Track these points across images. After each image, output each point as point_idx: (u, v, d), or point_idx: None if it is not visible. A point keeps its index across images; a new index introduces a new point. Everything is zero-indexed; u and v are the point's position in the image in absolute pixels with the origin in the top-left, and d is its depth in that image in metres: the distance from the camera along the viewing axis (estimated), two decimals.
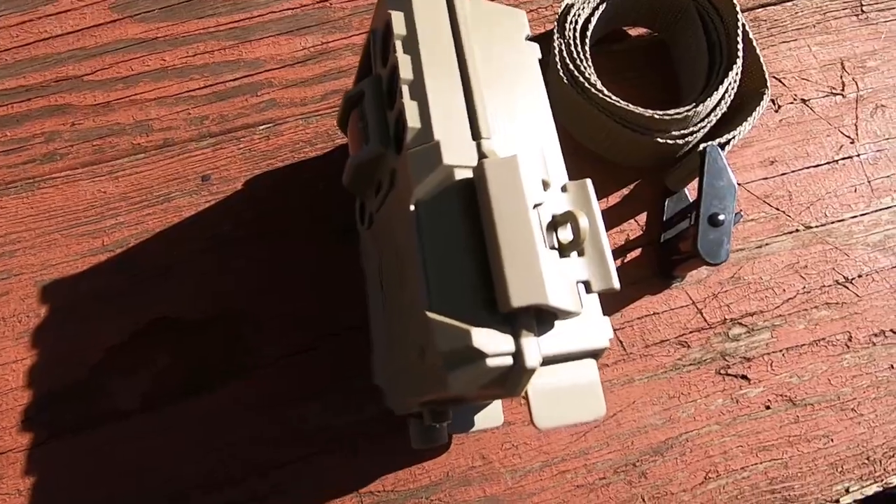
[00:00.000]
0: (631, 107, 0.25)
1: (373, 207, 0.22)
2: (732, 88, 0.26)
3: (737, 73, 0.26)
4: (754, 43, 0.27)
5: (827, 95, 0.30)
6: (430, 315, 0.15)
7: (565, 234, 0.16)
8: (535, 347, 0.15)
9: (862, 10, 0.32)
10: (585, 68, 0.26)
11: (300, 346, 0.25)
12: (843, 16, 0.32)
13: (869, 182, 0.28)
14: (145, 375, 0.25)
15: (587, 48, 0.27)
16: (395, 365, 0.19)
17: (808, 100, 0.30)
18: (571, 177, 0.19)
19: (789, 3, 0.32)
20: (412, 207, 0.17)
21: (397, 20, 0.19)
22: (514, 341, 0.15)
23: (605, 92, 0.26)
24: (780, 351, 0.26)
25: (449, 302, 0.15)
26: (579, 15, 0.28)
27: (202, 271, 0.26)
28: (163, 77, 0.30)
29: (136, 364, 0.25)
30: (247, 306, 0.26)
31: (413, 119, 0.17)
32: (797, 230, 0.27)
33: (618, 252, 0.27)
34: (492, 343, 0.14)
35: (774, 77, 0.30)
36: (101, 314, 0.26)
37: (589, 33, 0.28)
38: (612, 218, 0.28)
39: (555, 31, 0.27)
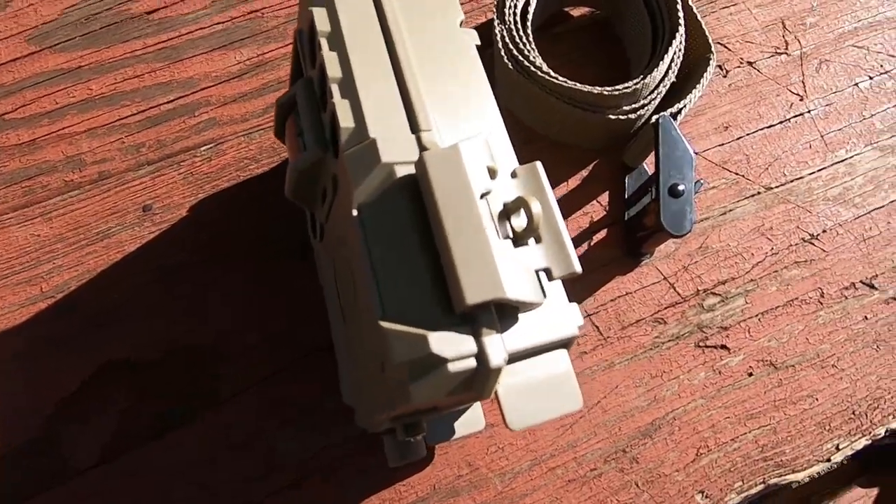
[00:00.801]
0: (578, 86, 0.25)
1: (321, 218, 0.20)
2: (678, 57, 0.26)
3: (680, 42, 0.26)
4: (695, 10, 0.27)
5: (772, 56, 0.30)
6: (384, 324, 0.14)
7: (519, 221, 0.16)
8: (498, 345, 0.14)
9: None
10: (529, 52, 0.26)
11: (264, 372, 0.24)
12: None
13: (822, 137, 0.28)
14: (103, 422, 0.23)
15: (529, 32, 0.27)
16: (360, 381, 0.18)
17: (755, 62, 0.30)
18: (527, 162, 0.18)
19: None
20: (355, 212, 0.16)
21: (320, 17, 0.18)
22: (474, 341, 0.14)
23: (552, 74, 0.25)
24: (756, 316, 0.26)
25: (403, 308, 0.14)
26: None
27: (151, 307, 0.25)
28: (91, 107, 0.29)
29: (92, 412, 0.23)
30: (203, 337, 0.24)
31: (345, 118, 0.16)
32: (758, 193, 0.27)
33: (583, 235, 0.27)
34: (451, 347, 0.13)
35: (719, 43, 0.30)
36: (49, 364, 0.24)
37: (530, 17, 0.27)
38: (574, 201, 0.27)
39: (495, 17, 0.27)
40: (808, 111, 0.29)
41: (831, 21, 0.31)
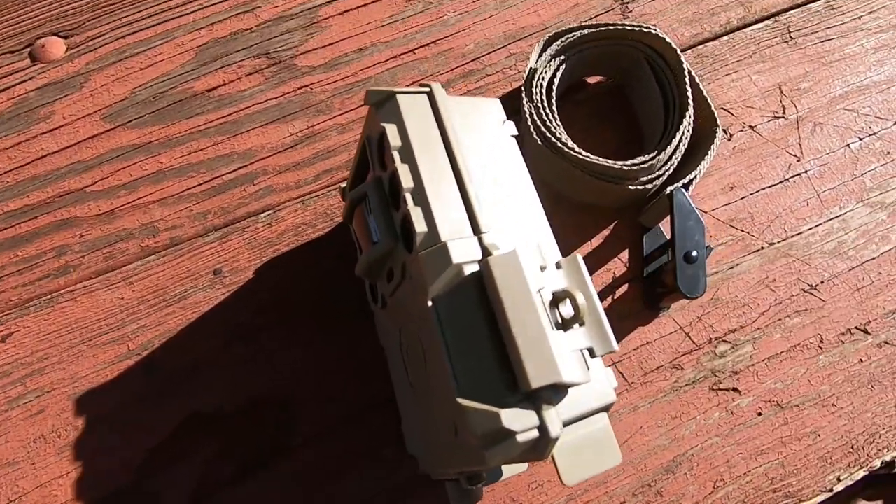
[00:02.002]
0: (601, 160, 0.28)
1: (386, 291, 0.24)
2: (688, 131, 0.29)
3: (689, 119, 0.29)
4: (701, 86, 0.30)
5: (771, 119, 0.33)
6: (461, 401, 0.17)
7: (566, 309, 0.19)
8: (555, 419, 0.17)
9: (791, 37, 0.35)
10: (556, 128, 0.29)
11: (329, 423, 0.27)
12: (776, 43, 0.35)
13: (818, 195, 0.31)
14: (188, 472, 0.26)
15: (554, 107, 0.30)
16: (429, 437, 0.21)
17: (756, 126, 0.33)
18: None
19: (726, 38, 0.35)
20: (430, 303, 0.19)
21: (392, 132, 0.21)
22: (537, 416, 0.17)
23: (577, 149, 0.28)
24: (763, 361, 0.29)
25: (474, 386, 0.18)
26: (543, 77, 0.30)
27: (227, 363, 0.28)
28: (162, 178, 0.32)
29: (178, 462, 0.27)
30: (273, 391, 0.28)
31: (420, 224, 0.20)
32: (762, 248, 0.30)
33: (607, 290, 0.30)
34: (518, 421, 0.17)
35: (723, 108, 0.33)
36: (138, 417, 0.27)
37: (554, 92, 0.31)
38: (598, 258, 0.30)
39: (523, 95, 0.30)
40: (805, 171, 0.32)
41: (823, 86, 0.34)
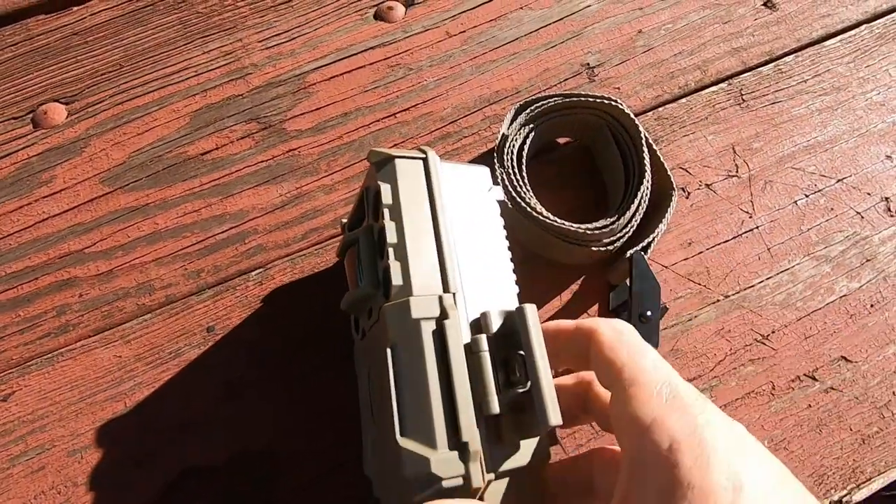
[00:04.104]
0: (566, 224, 0.30)
1: (365, 325, 0.26)
2: (646, 195, 0.32)
3: (648, 184, 0.31)
4: (658, 153, 0.33)
5: (725, 178, 0.36)
6: (400, 441, 0.19)
7: (514, 371, 0.21)
8: (478, 471, 0.19)
9: (743, 99, 0.38)
10: (525, 193, 0.32)
11: (319, 471, 0.29)
12: (729, 106, 0.38)
13: (768, 249, 0.34)
14: None
15: (524, 173, 0.33)
16: (382, 468, 0.23)
17: (711, 184, 0.36)
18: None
19: (684, 100, 0.38)
20: (388, 351, 0.21)
21: (385, 191, 0.23)
22: (463, 467, 0.19)
23: (544, 213, 0.31)
24: (720, 407, 0.31)
25: (416, 431, 0.20)
26: (514, 143, 0.33)
27: (220, 418, 0.30)
28: (158, 239, 0.34)
29: None
30: (266, 444, 0.29)
31: (396, 277, 0.22)
32: (718, 300, 0.33)
33: None
34: (446, 469, 0.19)
35: (682, 168, 0.36)
36: (134, 473, 0.29)
37: (524, 158, 0.33)
38: (568, 313, 0.33)
39: (495, 161, 0.32)
40: (757, 227, 0.35)
41: (773, 146, 0.37)
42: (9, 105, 0.37)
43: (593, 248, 0.30)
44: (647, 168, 0.32)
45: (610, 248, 0.30)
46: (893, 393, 0.31)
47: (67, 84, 0.38)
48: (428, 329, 0.21)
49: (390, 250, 0.22)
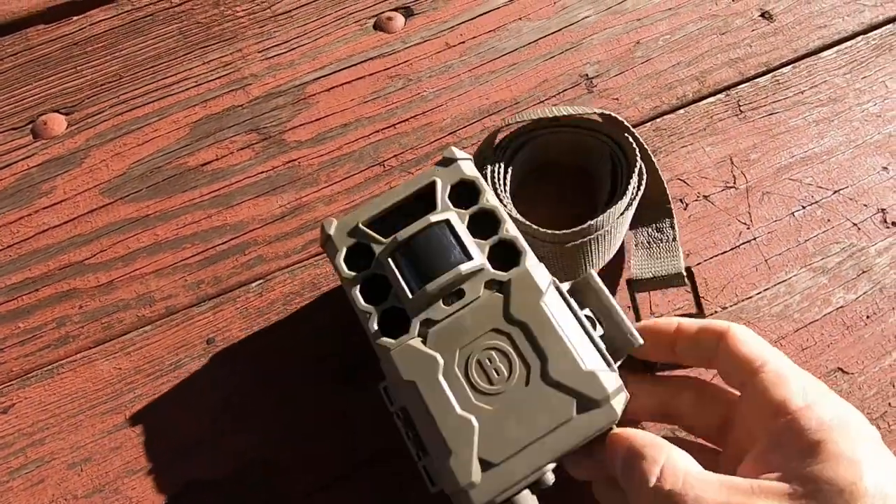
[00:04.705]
0: (539, 228, 0.30)
1: (436, 315, 0.24)
2: (631, 204, 0.31)
3: (633, 191, 0.31)
4: (656, 164, 0.33)
5: (723, 189, 0.36)
6: (587, 367, 0.23)
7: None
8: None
9: (740, 111, 0.38)
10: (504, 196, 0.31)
11: (323, 482, 0.29)
12: (727, 117, 0.38)
13: (766, 261, 0.34)
14: None
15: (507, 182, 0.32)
16: (517, 426, 0.23)
17: (709, 195, 0.36)
18: None
19: (682, 111, 0.38)
20: (544, 302, 0.24)
21: (479, 179, 0.27)
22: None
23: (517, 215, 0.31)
24: None
25: (590, 359, 0.24)
26: (498, 165, 0.33)
27: (222, 430, 0.30)
28: (158, 250, 0.34)
29: None
30: (268, 455, 0.29)
31: (523, 247, 0.26)
32: (716, 312, 0.33)
33: None
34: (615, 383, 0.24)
35: (679, 179, 0.36)
36: (136, 487, 0.29)
37: (509, 173, 0.33)
38: None
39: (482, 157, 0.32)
40: (754, 238, 0.35)
41: (770, 157, 0.37)
42: (8, 115, 0.37)
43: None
44: (635, 177, 0.31)
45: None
46: (889, 405, 0.31)
47: (67, 94, 0.38)
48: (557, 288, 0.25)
49: (508, 223, 0.26)
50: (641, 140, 0.33)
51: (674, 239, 0.33)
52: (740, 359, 0.23)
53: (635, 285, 0.31)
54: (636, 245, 0.33)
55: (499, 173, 0.32)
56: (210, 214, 0.35)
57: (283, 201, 0.35)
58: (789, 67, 0.40)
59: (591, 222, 0.30)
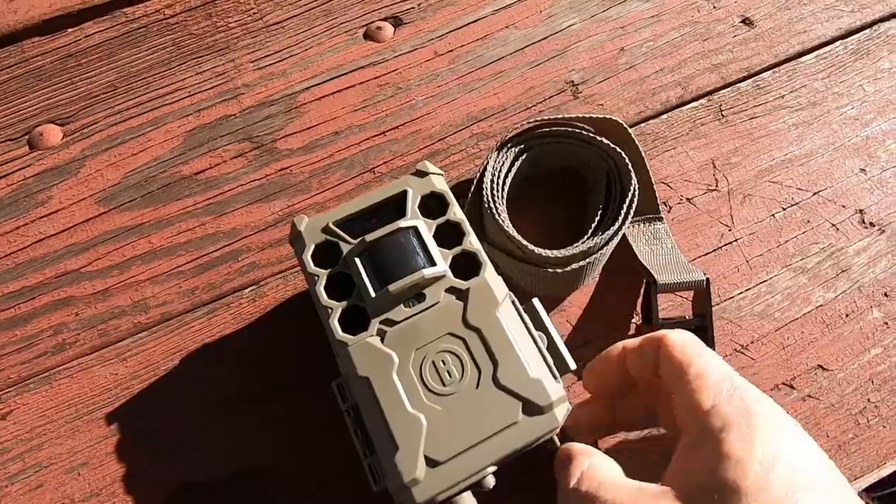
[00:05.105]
0: (537, 250, 0.30)
1: (397, 317, 0.25)
2: (623, 223, 0.32)
3: (627, 209, 0.32)
4: (649, 170, 0.34)
5: (706, 192, 0.37)
6: (533, 375, 0.25)
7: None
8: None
9: (722, 115, 0.39)
10: (500, 213, 0.32)
11: (317, 483, 0.30)
12: (709, 121, 0.39)
13: (747, 261, 0.35)
14: None
15: (504, 195, 0.33)
16: (463, 428, 0.24)
17: (692, 198, 0.37)
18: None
19: (665, 116, 0.39)
20: (499, 314, 0.26)
21: (447, 191, 0.29)
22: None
23: (515, 236, 0.32)
24: None
25: (539, 369, 0.25)
26: (499, 170, 0.34)
27: (216, 434, 0.30)
28: (153, 258, 0.35)
29: None
30: (262, 460, 0.30)
31: (485, 259, 0.29)
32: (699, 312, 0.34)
33: None
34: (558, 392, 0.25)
35: (663, 182, 0.37)
36: (132, 489, 0.29)
37: (507, 183, 0.34)
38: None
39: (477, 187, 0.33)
40: (736, 240, 0.36)
41: (751, 160, 0.38)
42: (5, 127, 0.38)
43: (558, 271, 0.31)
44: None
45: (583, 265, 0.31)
46: (868, 400, 0.32)
47: (63, 105, 0.38)
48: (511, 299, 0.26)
49: (471, 235, 0.27)
50: (640, 149, 0.34)
51: (672, 246, 0.34)
52: (671, 363, 0.23)
53: (656, 288, 0.32)
54: (637, 249, 0.33)
55: (498, 178, 0.33)
56: (204, 222, 0.36)
57: (276, 208, 0.36)
58: (770, 72, 0.41)
59: (584, 248, 0.30)
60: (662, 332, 0.25)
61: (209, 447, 0.30)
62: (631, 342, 0.26)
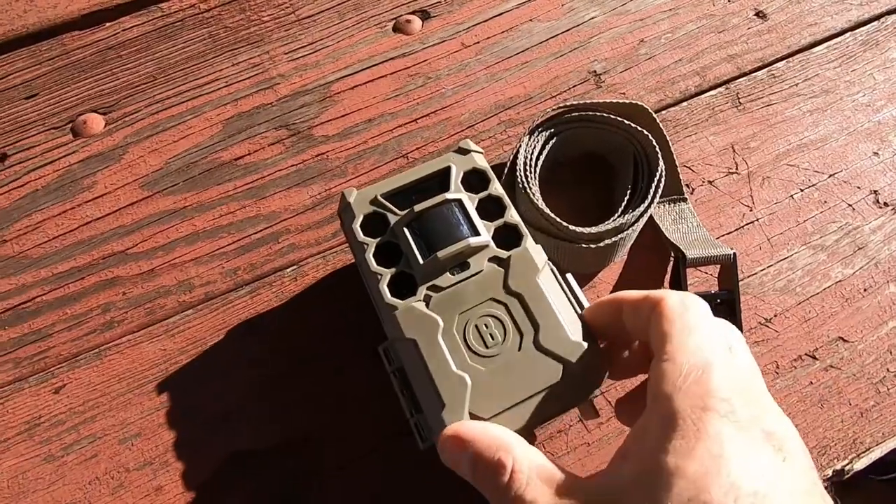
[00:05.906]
0: (570, 226, 0.32)
1: (444, 283, 0.26)
2: (653, 201, 0.34)
3: (655, 188, 0.34)
4: (674, 155, 0.35)
5: (726, 175, 0.38)
6: (572, 339, 0.25)
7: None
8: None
9: (740, 102, 0.41)
10: (533, 192, 0.34)
11: (361, 452, 0.31)
12: (727, 108, 0.41)
13: (768, 240, 0.37)
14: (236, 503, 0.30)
15: (536, 176, 0.35)
16: (510, 387, 0.24)
17: (713, 181, 0.38)
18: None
19: (685, 104, 0.41)
20: (540, 279, 0.27)
21: (487, 168, 0.30)
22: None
23: (549, 214, 0.33)
24: None
25: (574, 329, 0.26)
26: (531, 151, 0.35)
27: (262, 407, 0.31)
28: (196, 240, 0.36)
29: (224, 498, 0.30)
30: (308, 429, 0.31)
31: (525, 233, 0.32)
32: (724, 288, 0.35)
33: None
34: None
35: (685, 165, 0.39)
36: (183, 458, 0.30)
37: (539, 164, 0.35)
38: None
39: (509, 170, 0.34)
40: (757, 219, 0.37)
41: (769, 144, 0.40)
42: (49, 116, 0.39)
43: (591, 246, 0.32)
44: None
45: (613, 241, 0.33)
46: (888, 370, 0.34)
47: (104, 95, 0.40)
48: (548, 269, 0.27)
49: (512, 210, 0.28)
50: (665, 133, 0.35)
51: (697, 224, 0.35)
52: (656, 333, 0.21)
53: (685, 262, 0.33)
54: (664, 227, 0.35)
55: (530, 160, 0.34)
56: (244, 205, 0.37)
57: (313, 192, 0.37)
58: (783, 62, 0.42)
59: (616, 224, 0.32)
60: (664, 292, 0.22)
61: (254, 418, 0.31)
62: (631, 295, 0.23)
